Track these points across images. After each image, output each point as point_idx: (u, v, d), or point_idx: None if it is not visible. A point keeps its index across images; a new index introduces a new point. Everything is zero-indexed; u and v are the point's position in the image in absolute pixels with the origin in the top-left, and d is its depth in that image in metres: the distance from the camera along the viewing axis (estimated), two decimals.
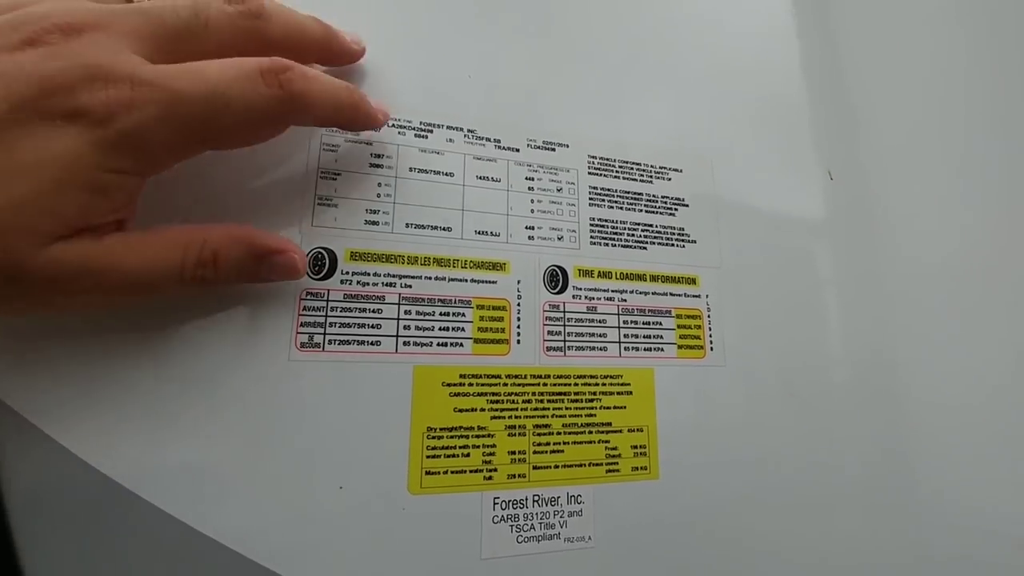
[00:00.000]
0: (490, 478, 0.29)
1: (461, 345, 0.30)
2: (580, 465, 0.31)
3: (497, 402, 0.30)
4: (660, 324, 0.34)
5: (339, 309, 0.29)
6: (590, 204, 0.35)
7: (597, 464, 0.31)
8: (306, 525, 0.26)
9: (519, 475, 0.30)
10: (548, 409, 0.31)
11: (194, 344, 0.26)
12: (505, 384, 0.31)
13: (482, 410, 0.30)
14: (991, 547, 0.39)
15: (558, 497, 0.30)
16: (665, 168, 0.37)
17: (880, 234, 0.43)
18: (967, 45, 0.52)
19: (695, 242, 0.37)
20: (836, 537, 0.36)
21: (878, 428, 0.38)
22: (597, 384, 0.32)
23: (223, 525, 0.25)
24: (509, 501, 0.29)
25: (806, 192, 0.42)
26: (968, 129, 0.49)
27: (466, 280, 0.31)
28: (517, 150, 0.34)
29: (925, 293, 0.42)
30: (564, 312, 0.33)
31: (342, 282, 0.29)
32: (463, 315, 0.31)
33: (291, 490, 0.27)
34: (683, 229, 0.37)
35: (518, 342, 0.31)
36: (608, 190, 0.35)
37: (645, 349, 0.34)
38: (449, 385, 0.30)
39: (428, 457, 0.29)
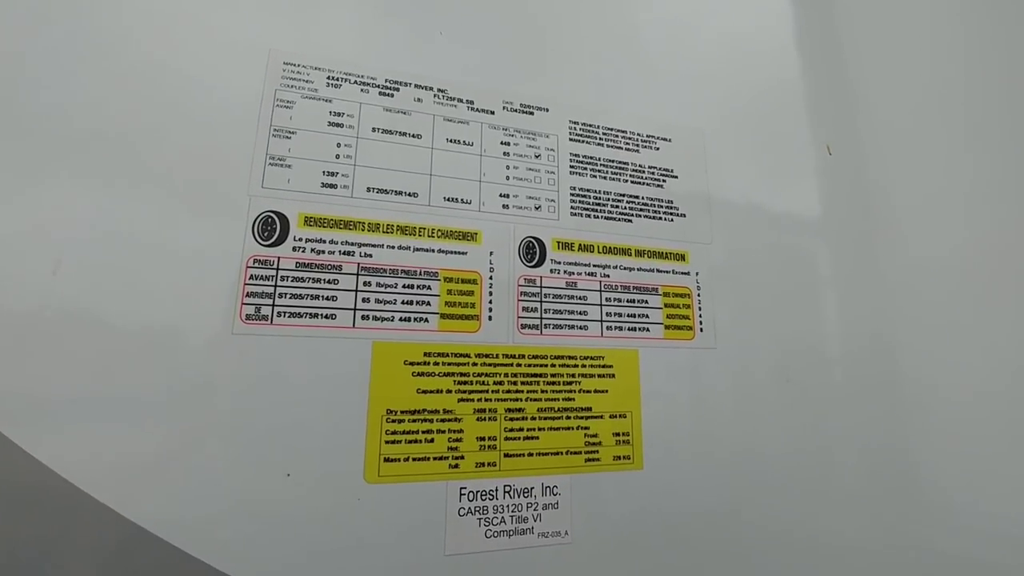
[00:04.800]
0: (456, 466, 0.27)
1: (426, 320, 0.28)
2: (556, 453, 0.28)
3: (465, 383, 0.28)
4: (646, 302, 0.32)
5: (290, 279, 0.26)
6: (571, 172, 0.32)
7: (575, 452, 0.29)
8: (250, 517, 0.24)
9: (489, 463, 0.27)
10: (522, 392, 0.28)
11: (124, 311, 0.24)
12: (474, 364, 0.28)
13: (448, 391, 0.27)
14: (992, 544, 0.37)
15: (532, 488, 0.28)
16: (653, 137, 0.35)
17: (882, 218, 0.40)
18: (968, 27, 0.50)
19: (684, 216, 0.34)
20: (832, 531, 0.33)
21: (877, 418, 0.36)
22: (576, 366, 0.30)
23: (157, 516, 0.23)
24: (477, 492, 0.27)
25: (805, 168, 0.39)
26: (971, 113, 0.47)
27: (433, 250, 0.28)
28: (492, 112, 0.31)
29: (926, 278, 0.40)
30: (541, 287, 0.30)
31: (294, 249, 0.26)
32: (429, 288, 0.28)
33: (233, 478, 0.24)
34: (672, 202, 0.34)
35: (489, 318, 0.29)
36: (591, 158, 0.33)
37: (629, 329, 0.31)
38: (412, 364, 0.27)
39: (387, 442, 0.26)
